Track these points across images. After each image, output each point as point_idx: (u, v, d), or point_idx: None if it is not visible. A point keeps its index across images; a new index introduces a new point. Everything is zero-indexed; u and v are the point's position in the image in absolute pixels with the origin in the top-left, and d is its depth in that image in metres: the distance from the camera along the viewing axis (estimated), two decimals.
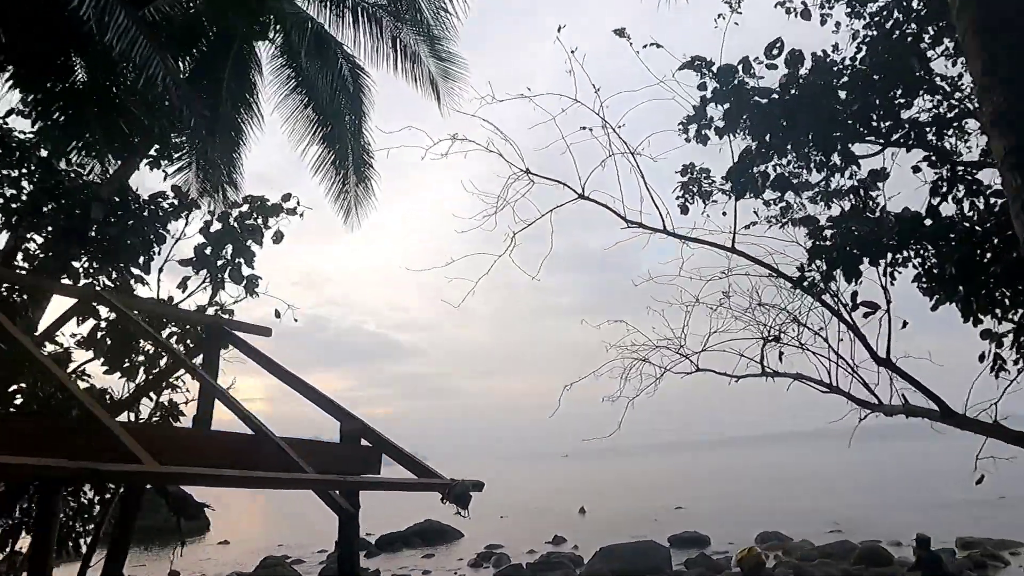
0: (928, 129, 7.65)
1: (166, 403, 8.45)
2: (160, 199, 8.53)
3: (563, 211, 7.71)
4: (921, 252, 7.21)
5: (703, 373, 7.80)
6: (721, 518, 38.17)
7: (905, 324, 7.30)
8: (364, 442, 6.64)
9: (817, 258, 7.31)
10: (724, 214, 8.54)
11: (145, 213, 8.12)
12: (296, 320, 8.29)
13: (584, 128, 7.68)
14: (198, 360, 7.31)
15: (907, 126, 7.57)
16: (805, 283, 7.46)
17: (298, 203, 8.61)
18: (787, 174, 7.82)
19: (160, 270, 8.17)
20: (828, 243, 7.28)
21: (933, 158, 7.54)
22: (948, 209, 7.42)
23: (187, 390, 8.32)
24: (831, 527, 31.03)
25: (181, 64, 11.36)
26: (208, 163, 11.14)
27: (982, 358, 7.13)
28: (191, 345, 7.97)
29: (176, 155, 11.03)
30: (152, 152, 9.70)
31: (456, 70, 13.76)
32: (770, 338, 7.72)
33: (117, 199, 8.32)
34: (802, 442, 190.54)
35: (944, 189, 7.40)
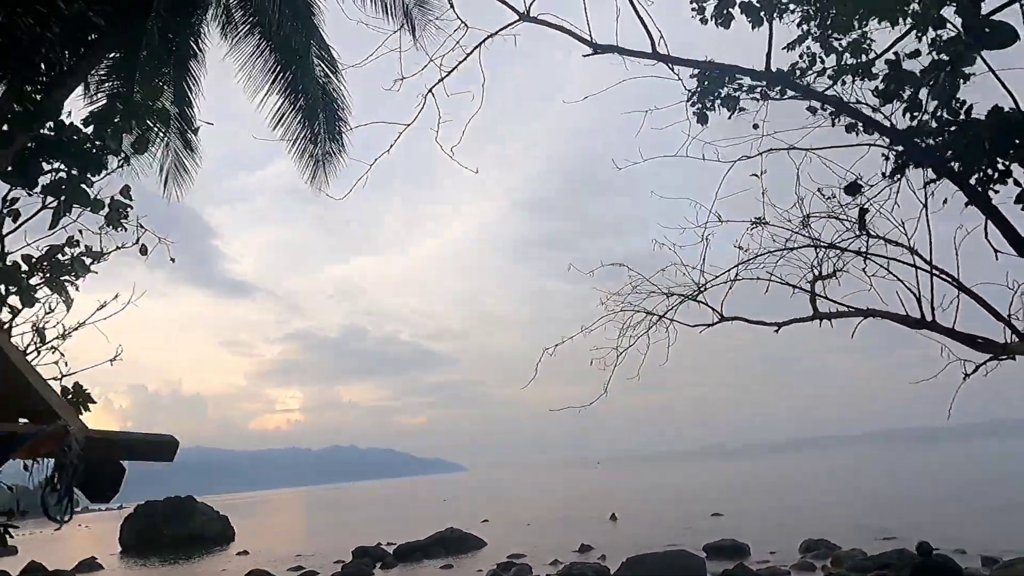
0: None
1: None
2: None
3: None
4: None
5: (730, 324, 5.71)
6: (762, 526, 35.54)
7: None
8: None
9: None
10: (756, 126, 6.42)
11: None
12: (173, 260, 6.34)
13: None
14: None
15: None
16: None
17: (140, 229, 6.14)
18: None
19: None
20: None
21: None
22: None
23: None
24: (884, 534, 28.29)
25: None
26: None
27: None
28: None
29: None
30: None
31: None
32: (821, 274, 5.57)
33: None
34: (853, 446, 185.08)
35: None
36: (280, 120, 12.13)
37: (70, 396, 7.32)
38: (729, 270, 5.66)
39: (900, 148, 5.33)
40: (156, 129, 6.00)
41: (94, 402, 7.52)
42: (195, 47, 11.92)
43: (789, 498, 49.45)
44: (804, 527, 31.36)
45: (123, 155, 5.70)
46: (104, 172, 5.52)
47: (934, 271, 5.17)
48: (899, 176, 5.52)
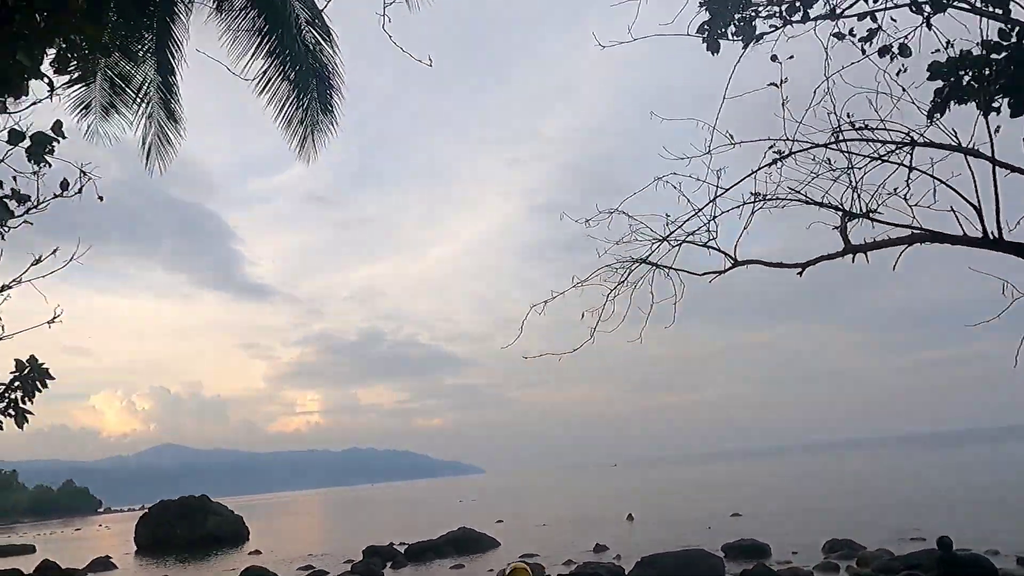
0: None
1: None
2: None
3: None
4: None
5: (744, 269, 4.88)
6: (784, 525, 34.44)
7: None
8: None
9: None
10: (774, 58, 5.58)
11: None
12: (101, 199, 5.60)
13: None
14: None
15: None
16: None
17: None
18: None
19: None
20: None
21: None
22: None
23: None
24: (913, 534, 27.12)
25: None
26: None
27: None
28: None
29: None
30: None
31: None
32: (852, 213, 4.70)
33: None
34: (877, 449, 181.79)
35: None
36: (266, 86, 11.45)
37: (25, 371, 6.61)
38: (744, 204, 4.82)
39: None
40: (87, 52, 5.25)
41: (52, 378, 6.82)
42: (177, 10, 11.29)
43: (812, 499, 48.11)
44: (828, 527, 30.25)
45: (46, 79, 4.98)
46: (28, 102, 4.84)
47: (1001, 165, 4.25)
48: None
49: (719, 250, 5.01)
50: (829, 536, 27.22)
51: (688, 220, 5.32)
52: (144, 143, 11.87)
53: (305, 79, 11.73)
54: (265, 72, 11.40)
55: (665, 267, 5.26)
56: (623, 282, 5.38)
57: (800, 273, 4.92)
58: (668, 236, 5.32)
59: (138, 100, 11.13)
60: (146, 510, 67.82)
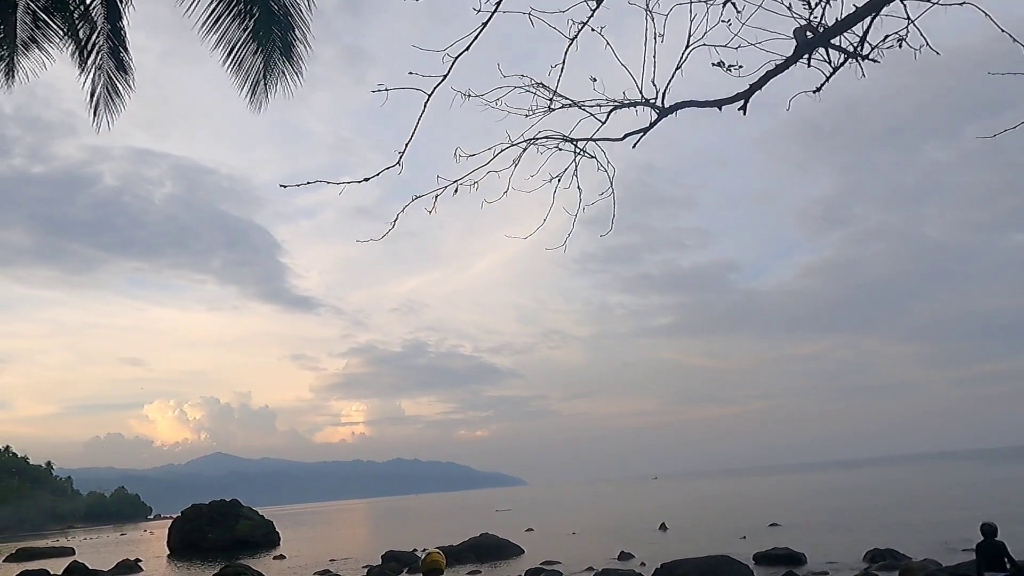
0: None
1: None
2: None
3: None
4: None
5: (674, 117, 3.57)
6: (824, 536, 32.33)
7: None
8: None
9: None
10: None
11: None
12: None
13: None
14: None
15: None
16: None
17: None
18: None
19: None
20: None
21: None
22: None
23: None
24: (964, 545, 24.88)
25: None
26: None
27: None
28: None
29: None
30: None
31: None
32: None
33: None
34: (930, 463, 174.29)
35: None
36: (215, 26, 10.48)
37: None
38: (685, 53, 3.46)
39: None
40: None
41: None
42: None
43: (856, 510, 45.43)
44: (871, 538, 28.13)
45: None
46: None
47: None
48: None
49: (645, 102, 3.71)
50: (871, 546, 25.18)
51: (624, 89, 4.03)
52: (92, 96, 11.04)
53: (263, 21, 10.75)
54: (213, 11, 10.43)
55: (572, 140, 4.00)
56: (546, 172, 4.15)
57: (743, 108, 3.60)
58: (585, 102, 4.05)
59: (67, 35, 10.31)
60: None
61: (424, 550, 21.81)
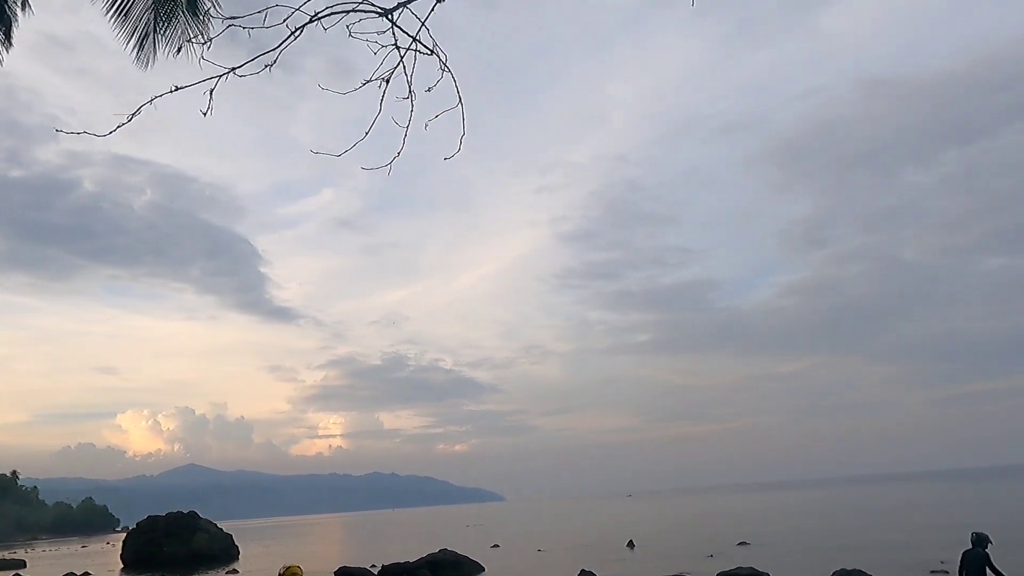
0: None
1: None
2: None
3: None
4: None
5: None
6: (791, 554, 31.33)
7: None
8: None
9: None
10: None
11: None
12: None
13: None
14: None
15: None
16: None
17: None
18: None
19: None
20: None
21: None
22: None
23: None
24: (935, 567, 23.95)
25: None
26: None
27: None
28: None
29: None
30: None
31: None
32: None
33: None
34: (905, 483, 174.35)
35: None
36: None
37: None
38: None
39: None
40: None
41: None
42: None
43: (828, 530, 44.44)
44: (840, 558, 27.08)
45: None
46: None
47: None
48: None
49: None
50: (839, 565, 24.14)
51: None
52: None
53: None
54: None
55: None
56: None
57: None
58: None
59: None
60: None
61: (373, 566, 20.41)
